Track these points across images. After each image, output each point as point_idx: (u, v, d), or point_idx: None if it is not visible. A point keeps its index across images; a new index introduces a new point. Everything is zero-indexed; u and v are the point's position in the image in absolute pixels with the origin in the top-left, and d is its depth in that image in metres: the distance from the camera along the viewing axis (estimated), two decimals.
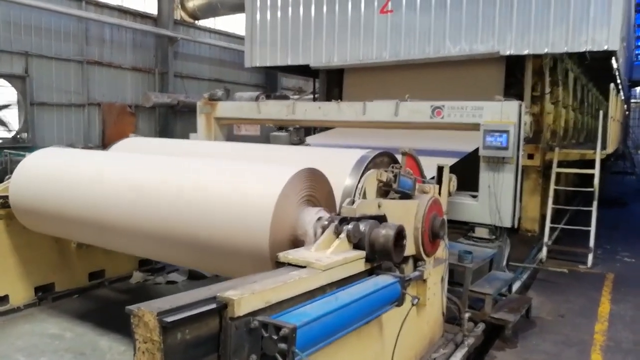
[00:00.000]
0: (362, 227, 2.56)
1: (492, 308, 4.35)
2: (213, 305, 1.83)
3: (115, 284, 4.83)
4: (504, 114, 4.99)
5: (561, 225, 7.31)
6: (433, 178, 3.74)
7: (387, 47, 7.65)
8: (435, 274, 3.45)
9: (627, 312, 5.09)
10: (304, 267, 2.29)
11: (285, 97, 8.58)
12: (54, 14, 12.06)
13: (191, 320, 1.75)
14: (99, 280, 4.72)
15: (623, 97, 12.71)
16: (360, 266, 2.53)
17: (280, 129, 8.32)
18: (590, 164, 7.00)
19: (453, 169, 3.87)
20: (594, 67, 8.93)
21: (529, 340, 4.36)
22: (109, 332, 3.81)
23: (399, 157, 3.53)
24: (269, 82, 18.82)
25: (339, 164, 3.42)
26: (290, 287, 2.06)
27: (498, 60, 7.01)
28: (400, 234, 2.59)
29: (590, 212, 6.79)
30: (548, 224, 6.89)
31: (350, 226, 2.52)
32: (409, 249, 3.07)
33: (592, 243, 6.64)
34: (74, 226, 3.67)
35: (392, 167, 3.19)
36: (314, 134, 7.97)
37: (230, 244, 2.80)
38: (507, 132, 4.86)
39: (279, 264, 2.38)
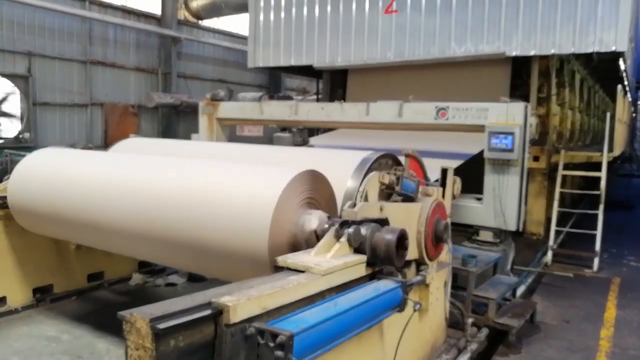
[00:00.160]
0: (364, 230, 2.50)
1: (496, 313, 4.27)
2: (208, 312, 1.78)
3: (115, 285, 4.79)
4: (509, 116, 4.92)
5: (567, 229, 7.22)
6: (437, 180, 3.68)
7: (391, 47, 7.58)
8: (438, 279, 3.38)
9: (633, 318, 5.01)
10: (303, 271, 2.23)
11: (289, 98, 8.55)
12: (57, 13, 12.07)
13: (185, 326, 1.70)
14: (98, 282, 4.68)
15: (630, 99, 12.60)
16: (361, 271, 2.47)
17: (284, 129, 8.28)
18: (597, 166, 6.91)
19: (457, 171, 3.81)
20: (601, 68, 8.84)
21: (533, 346, 4.28)
22: (106, 334, 3.76)
23: (402, 158, 3.46)
24: (273, 82, 18.80)
25: (341, 165, 3.36)
26: (288, 292, 2.00)
27: (504, 61, 6.94)
28: (402, 238, 2.53)
29: (596, 215, 6.70)
30: (553, 227, 6.80)
31: (351, 230, 2.46)
32: (412, 253, 3.00)
33: (598, 247, 6.55)
34: (72, 227, 3.63)
35: (395, 169, 3.13)
36: (318, 134, 7.92)
37: (228, 248, 2.75)
38: (512, 134, 4.79)
39: (278, 269, 2.33)
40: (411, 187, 3.08)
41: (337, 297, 2.24)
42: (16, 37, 11.52)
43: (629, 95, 11.30)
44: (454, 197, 3.71)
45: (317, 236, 2.64)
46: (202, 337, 1.76)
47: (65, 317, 4.10)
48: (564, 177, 7.08)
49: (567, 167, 7.05)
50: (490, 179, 5.00)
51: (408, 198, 3.08)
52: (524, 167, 4.96)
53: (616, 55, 6.59)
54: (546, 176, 7.29)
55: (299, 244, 2.72)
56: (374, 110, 5.77)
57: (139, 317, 1.61)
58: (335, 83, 9.02)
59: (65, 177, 3.66)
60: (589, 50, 6.25)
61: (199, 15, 15.92)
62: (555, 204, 6.87)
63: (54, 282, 4.37)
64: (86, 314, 4.18)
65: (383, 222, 2.64)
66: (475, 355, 3.69)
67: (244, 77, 17.44)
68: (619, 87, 7.58)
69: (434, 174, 3.80)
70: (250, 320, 1.82)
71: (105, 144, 12.56)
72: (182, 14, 15.76)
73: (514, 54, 6.63)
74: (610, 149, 6.99)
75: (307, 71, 9.24)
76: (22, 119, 11.82)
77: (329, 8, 8.13)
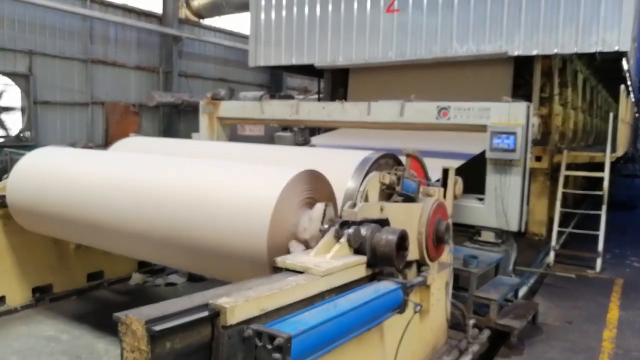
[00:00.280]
0: (364, 231, 2.48)
1: (498, 314, 4.24)
2: (205, 313, 1.76)
3: (114, 285, 4.77)
4: (511, 116, 4.89)
5: (569, 229, 7.18)
6: (438, 180, 3.65)
7: (393, 46, 7.55)
8: (439, 280, 3.35)
9: (636, 319, 4.97)
10: (302, 272, 2.21)
11: (290, 97, 8.50)
12: (58, 12, 12.04)
13: (182, 328, 1.69)
14: (97, 281, 4.66)
15: (633, 99, 12.54)
16: (361, 272, 2.45)
17: (285, 129, 8.25)
18: (599, 166, 6.87)
19: (459, 171, 3.77)
20: (604, 68, 8.80)
21: (535, 347, 4.25)
22: (106, 334, 3.74)
23: (403, 158, 3.43)
24: (274, 81, 18.77)
25: (341, 165, 3.34)
26: (286, 293, 1.98)
27: (506, 61, 6.90)
28: (402, 239, 2.50)
29: (598, 215, 6.66)
30: (556, 228, 6.76)
31: (351, 230, 2.44)
32: (413, 254, 2.98)
33: (600, 247, 6.51)
34: (71, 227, 3.61)
35: (396, 169, 3.10)
36: (319, 134, 7.89)
37: (227, 248, 2.72)
38: (514, 134, 4.75)
39: (277, 269, 2.30)
40: (412, 187, 3.06)
41: (337, 299, 2.22)
42: (17, 36, 11.50)
43: (632, 95, 11.24)
44: (455, 197, 3.68)
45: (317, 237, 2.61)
46: (199, 339, 1.74)
47: (64, 316, 4.08)
48: (567, 177, 7.04)
49: (569, 167, 7.01)
50: (492, 179, 4.97)
51: (409, 198, 3.05)
52: (526, 167, 4.93)
53: (619, 55, 6.55)
54: (548, 176, 7.25)
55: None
56: (375, 110, 5.74)
57: (135, 318, 1.59)
58: (336, 82, 8.99)
59: (64, 176, 3.64)
60: (592, 50, 6.21)
61: (200, 14, 15.89)
62: (558, 204, 6.83)
63: (53, 281, 4.36)
64: (85, 313, 4.16)
65: (383, 223, 2.61)
66: (476, 357, 3.66)
67: (245, 76, 17.40)
68: (622, 87, 7.53)
69: (435, 174, 3.77)
70: (248, 321, 1.80)
71: (106, 143, 12.54)
72: (184, 12, 15.73)
73: (516, 53, 6.60)
74: (613, 149, 6.94)
75: (308, 70, 9.22)
76: (22, 118, 11.80)
77: (330, 7, 8.10)
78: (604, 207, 6.65)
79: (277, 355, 1.71)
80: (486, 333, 3.99)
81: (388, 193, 3.05)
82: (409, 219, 2.99)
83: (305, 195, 2.82)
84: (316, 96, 10.79)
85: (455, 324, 3.78)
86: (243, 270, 2.68)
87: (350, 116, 5.97)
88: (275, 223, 2.60)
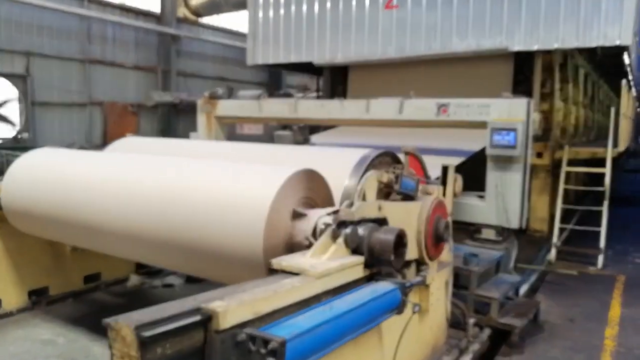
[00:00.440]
0: (361, 231, 2.43)
1: (499, 312, 4.19)
2: (197, 317, 1.71)
3: (112, 287, 4.72)
4: (512, 112, 4.84)
5: (571, 226, 7.13)
6: (438, 178, 3.60)
7: (392, 43, 7.50)
8: (439, 279, 3.31)
9: (639, 316, 4.93)
10: (298, 274, 2.16)
11: (289, 95, 8.47)
12: (55, 12, 12.01)
13: (173, 333, 1.64)
14: (94, 283, 4.61)
15: (635, 94, 12.48)
16: (359, 272, 2.40)
17: (285, 127, 8.21)
18: (601, 162, 6.82)
19: (459, 169, 3.72)
20: (605, 63, 8.74)
21: (537, 345, 4.21)
22: (102, 338, 3.67)
23: (401, 156, 3.39)
24: (274, 80, 18.71)
25: (339, 164, 3.29)
26: (281, 296, 1.93)
27: (506, 57, 6.85)
28: (400, 238, 2.45)
29: (600, 212, 6.61)
30: (557, 224, 6.72)
31: (348, 230, 2.39)
32: (412, 253, 2.93)
33: (602, 244, 6.47)
34: (67, 229, 3.57)
35: (394, 167, 3.05)
36: (319, 132, 7.84)
37: (223, 249, 2.68)
38: (515, 130, 4.70)
39: (273, 271, 2.26)
40: (410, 186, 3.01)
41: (333, 300, 2.17)
42: (14, 37, 11.46)
43: (633, 90, 11.18)
44: (455, 195, 3.63)
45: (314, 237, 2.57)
46: (191, 344, 1.69)
47: (61, 319, 4.04)
48: (568, 173, 7.00)
49: (571, 163, 6.96)
50: (492, 176, 4.92)
51: (407, 197, 3.01)
52: (527, 163, 4.88)
53: (620, 50, 6.50)
54: (550, 172, 7.20)
55: (295, 245, 2.65)
56: (374, 107, 5.69)
57: (124, 324, 1.55)
58: (335, 80, 8.94)
59: (58, 177, 3.60)
60: (593, 44, 6.16)
61: (198, 12, 15.82)
62: (559, 200, 6.78)
63: (49, 284, 4.30)
64: (82, 316, 4.11)
65: (381, 222, 2.57)
66: (477, 356, 3.62)
67: (244, 75, 17.35)
68: (624, 81, 7.49)
69: (435, 172, 3.72)
70: (241, 325, 1.76)
71: (105, 143, 12.48)
72: (182, 11, 15.66)
73: (516, 48, 6.55)
74: (615, 145, 6.89)
75: (307, 68, 9.17)
76: (20, 119, 11.76)
77: (328, 4, 8.05)
78: (606, 203, 6.61)
79: (271, 359, 1.67)
80: (487, 332, 3.95)
81: (386, 192, 3.00)
82: (408, 217, 2.94)
83: (302, 195, 2.78)
84: (316, 94, 10.74)
85: (456, 323, 3.74)
86: (240, 272, 2.63)
87: (349, 114, 5.92)
88: (272, 223, 2.55)
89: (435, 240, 3.14)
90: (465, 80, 7.04)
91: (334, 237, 2.39)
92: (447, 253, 3.45)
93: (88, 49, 12.99)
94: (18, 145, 11.15)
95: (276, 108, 6.51)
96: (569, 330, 4.57)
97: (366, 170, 3.12)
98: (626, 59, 7.41)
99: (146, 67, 14.63)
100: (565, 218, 6.98)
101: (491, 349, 3.99)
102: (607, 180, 6.63)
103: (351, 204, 2.61)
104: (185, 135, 11.92)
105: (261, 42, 8.80)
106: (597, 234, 6.48)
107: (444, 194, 3.40)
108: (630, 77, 9.19)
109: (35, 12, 11.74)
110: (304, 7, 8.30)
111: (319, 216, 2.67)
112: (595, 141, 9.79)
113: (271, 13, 8.68)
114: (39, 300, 4.22)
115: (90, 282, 4.58)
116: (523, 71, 7.04)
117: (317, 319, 1.96)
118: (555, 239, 6.68)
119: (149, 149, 4.34)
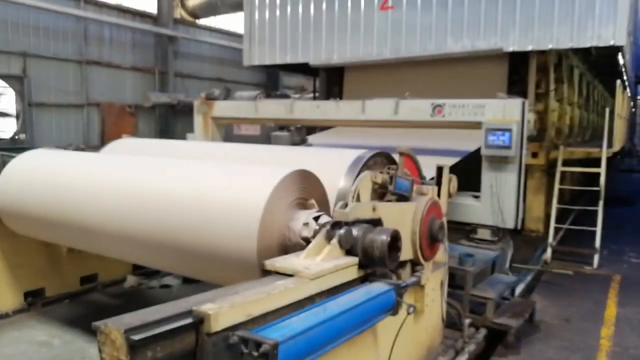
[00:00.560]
0: (355, 232, 2.43)
1: (494, 313, 4.21)
2: (189, 320, 1.71)
3: (109, 288, 4.71)
4: (506, 112, 4.85)
5: (566, 226, 7.15)
6: (432, 179, 3.60)
7: (387, 44, 7.52)
8: (434, 279, 3.31)
9: (634, 316, 4.94)
10: (292, 275, 2.16)
11: (286, 96, 8.46)
12: (52, 13, 11.96)
13: (163, 336, 1.63)
14: (91, 284, 4.60)
15: (630, 94, 12.52)
16: (353, 273, 2.40)
17: (282, 128, 8.20)
18: (596, 162, 6.84)
19: (454, 169, 3.73)
20: (600, 63, 8.76)
21: (532, 346, 4.22)
22: None
23: (396, 157, 3.39)
24: (270, 81, 18.69)
25: (334, 165, 3.30)
26: (274, 298, 1.93)
27: (501, 57, 6.86)
28: (395, 239, 2.46)
29: (596, 211, 6.63)
30: (553, 224, 6.73)
31: (342, 231, 2.39)
32: (406, 254, 2.93)
33: (598, 243, 6.48)
34: (62, 231, 3.57)
35: (389, 168, 3.06)
36: (316, 132, 7.84)
37: (217, 251, 2.68)
38: (510, 130, 4.71)
39: (266, 272, 2.26)
40: (405, 186, 3.01)
41: (327, 302, 2.17)
42: (10, 38, 11.42)
43: (628, 90, 11.22)
44: (450, 195, 3.63)
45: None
46: (183, 347, 1.69)
47: (57, 321, 4.03)
48: (563, 173, 7.01)
49: (566, 163, 6.97)
50: (487, 177, 4.92)
51: (402, 197, 3.01)
52: (522, 163, 4.89)
53: (615, 50, 6.52)
54: (545, 172, 7.22)
55: (290, 246, 2.65)
56: (370, 108, 5.69)
57: (114, 328, 1.55)
58: (331, 81, 8.95)
59: (54, 178, 3.60)
60: (587, 44, 6.18)
61: (196, 14, 15.81)
62: (555, 200, 6.80)
63: (45, 285, 4.30)
64: (78, 317, 4.11)
65: (376, 223, 2.57)
66: (473, 357, 3.61)
67: (241, 76, 17.32)
68: (618, 82, 7.51)
69: (430, 172, 3.72)
70: (233, 328, 1.75)
71: (102, 144, 12.43)
72: (179, 12, 15.65)
73: (511, 49, 6.56)
74: (610, 145, 6.91)
75: (303, 69, 9.18)
76: (17, 120, 11.72)
77: (324, 5, 8.06)
78: (601, 203, 6.63)
79: None
80: (482, 332, 3.95)
81: (381, 192, 3.00)
82: (403, 218, 2.94)
83: (297, 196, 2.78)
84: (312, 95, 10.75)
85: (451, 324, 3.73)
86: (234, 273, 2.63)
87: (344, 114, 5.92)
88: (266, 224, 2.55)
89: (430, 241, 3.14)
90: (460, 80, 7.06)
91: (328, 238, 2.39)
92: (442, 253, 3.45)
93: (85, 50, 12.95)
94: (15, 146, 11.12)
95: (272, 109, 6.51)
96: (565, 330, 4.58)
97: (361, 171, 3.13)
98: (620, 59, 7.44)
99: (143, 68, 14.60)
100: (560, 218, 7.00)
101: (487, 350, 3.99)
102: (602, 179, 6.65)
103: (345, 205, 2.61)
104: (183, 136, 11.89)
105: (257, 43, 8.81)
106: (593, 233, 6.49)
107: (438, 195, 3.41)
108: (624, 78, 9.21)
109: (31, 13, 11.71)
110: (300, 8, 8.31)
111: (313, 217, 2.67)
112: (590, 141, 9.83)
113: (267, 14, 8.69)
114: (35, 301, 4.21)
115: (87, 283, 4.58)
116: (518, 71, 7.06)
117: (310, 320, 1.96)
118: (550, 238, 6.69)
119: (145, 150, 4.34)
